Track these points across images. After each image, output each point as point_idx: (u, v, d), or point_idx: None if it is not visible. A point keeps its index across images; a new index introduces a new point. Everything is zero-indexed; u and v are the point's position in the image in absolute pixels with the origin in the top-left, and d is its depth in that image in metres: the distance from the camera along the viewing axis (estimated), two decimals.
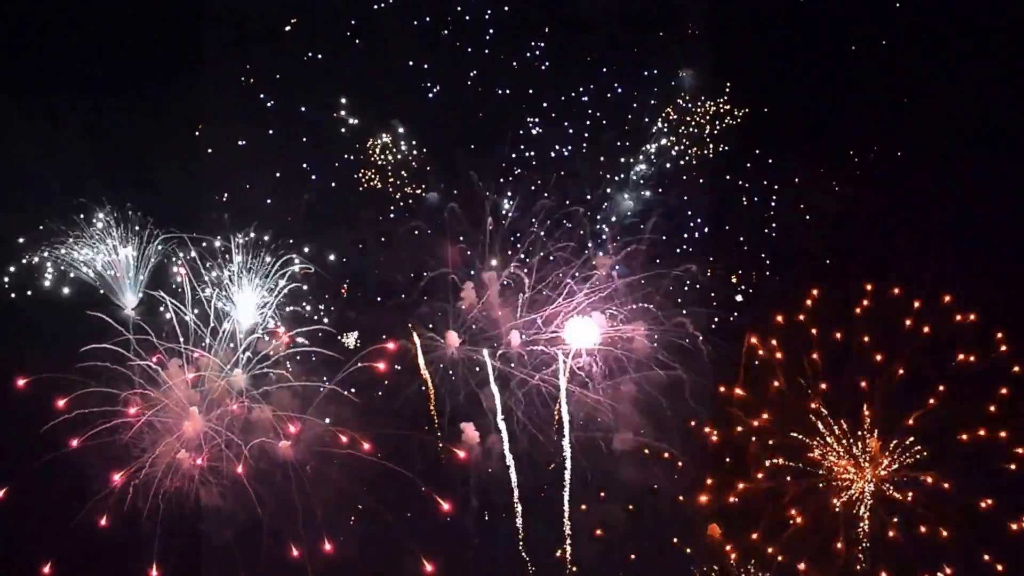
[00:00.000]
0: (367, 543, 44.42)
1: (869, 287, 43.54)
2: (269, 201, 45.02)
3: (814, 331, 43.82)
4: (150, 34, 44.29)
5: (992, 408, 43.63)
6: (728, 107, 44.14)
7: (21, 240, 43.57)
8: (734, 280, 44.37)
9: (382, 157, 45.63)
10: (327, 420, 44.12)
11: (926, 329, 43.88)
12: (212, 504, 42.88)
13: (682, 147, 44.64)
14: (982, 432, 43.43)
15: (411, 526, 44.52)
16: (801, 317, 43.74)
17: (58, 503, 41.94)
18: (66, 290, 43.85)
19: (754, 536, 44.11)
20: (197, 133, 44.19)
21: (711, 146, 44.40)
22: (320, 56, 45.34)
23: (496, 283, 45.45)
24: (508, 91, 45.40)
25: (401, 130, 45.78)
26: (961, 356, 43.87)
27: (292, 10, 45.34)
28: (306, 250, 44.56)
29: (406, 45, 45.88)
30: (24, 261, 43.70)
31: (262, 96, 45.05)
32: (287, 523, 43.17)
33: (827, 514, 44.16)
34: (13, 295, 43.56)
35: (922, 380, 43.94)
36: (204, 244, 44.36)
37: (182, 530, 42.51)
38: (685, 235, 45.31)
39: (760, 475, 44.56)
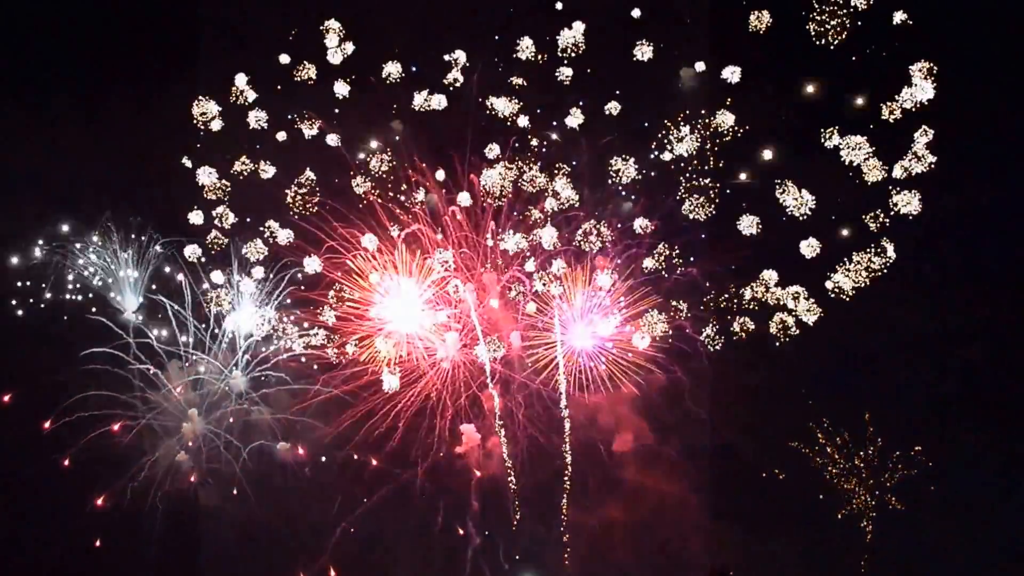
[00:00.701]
0: (366, 544, 44.94)
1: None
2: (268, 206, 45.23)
3: (812, 330, 43.32)
4: (149, 40, 44.72)
5: (1007, 412, 42.63)
6: (729, 123, 43.49)
7: (20, 244, 44.39)
8: (733, 287, 43.78)
9: (381, 163, 45.56)
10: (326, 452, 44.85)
11: (932, 326, 43.13)
12: (211, 505, 43.80)
13: (683, 153, 44.08)
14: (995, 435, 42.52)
15: (410, 529, 45.12)
16: (799, 317, 43.12)
17: (57, 506, 43.08)
18: (65, 295, 44.64)
19: (752, 547, 44.03)
20: (199, 145, 44.46)
21: (711, 160, 43.87)
22: (319, 59, 45.25)
23: (496, 286, 45.52)
24: (507, 93, 45.01)
25: (398, 137, 45.68)
26: (974, 353, 43.12)
27: (292, 20, 45.28)
28: (306, 266, 44.69)
29: (404, 47, 45.67)
30: (23, 266, 44.47)
31: (255, 105, 45.16)
32: (286, 525, 43.99)
33: (828, 525, 43.84)
34: (12, 301, 44.34)
35: (928, 382, 43.40)
36: (202, 251, 44.97)
37: (181, 532, 43.49)
38: (686, 238, 44.70)
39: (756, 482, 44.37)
